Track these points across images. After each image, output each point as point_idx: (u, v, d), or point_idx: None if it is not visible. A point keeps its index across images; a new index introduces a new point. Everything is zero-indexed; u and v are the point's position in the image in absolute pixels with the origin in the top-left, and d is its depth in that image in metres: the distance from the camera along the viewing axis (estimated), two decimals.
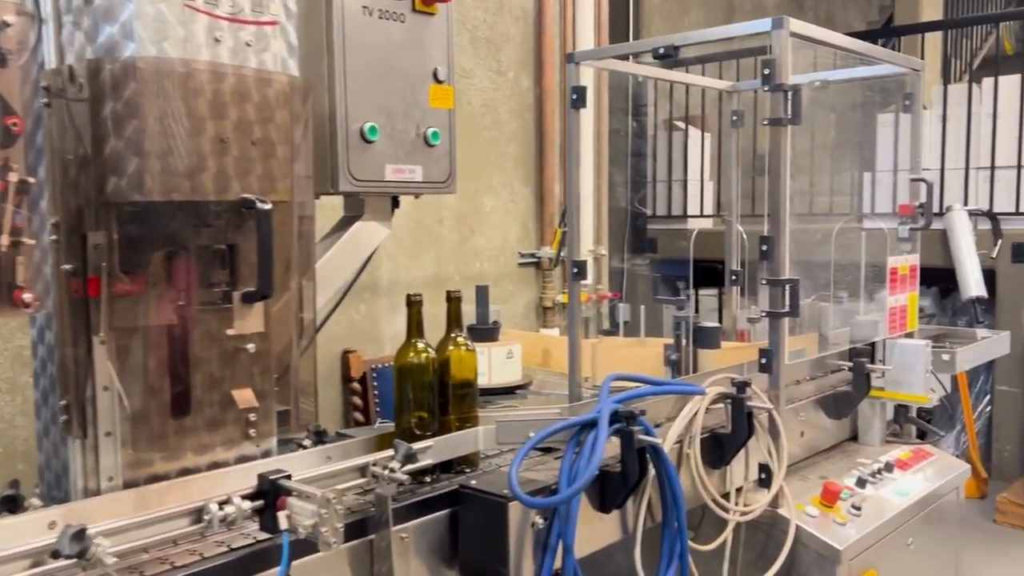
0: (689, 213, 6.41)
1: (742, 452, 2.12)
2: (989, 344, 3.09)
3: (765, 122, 2.08)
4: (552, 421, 1.75)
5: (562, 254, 4.31)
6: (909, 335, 2.72)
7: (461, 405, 1.79)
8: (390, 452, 1.56)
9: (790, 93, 2.06)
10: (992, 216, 5.25)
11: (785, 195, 2.09)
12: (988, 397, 5.51)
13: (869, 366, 2.56)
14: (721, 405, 2.06)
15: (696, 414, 2.00)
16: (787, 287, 2.09)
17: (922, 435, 2.82)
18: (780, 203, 2.09)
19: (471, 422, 1.81)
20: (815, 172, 6.18)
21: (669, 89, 5.61)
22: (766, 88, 2.07)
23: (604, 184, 4.65)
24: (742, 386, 2.04)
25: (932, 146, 5.62)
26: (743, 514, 2.04)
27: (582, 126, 4.44)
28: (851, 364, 2.58)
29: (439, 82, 1.78)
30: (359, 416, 3.44)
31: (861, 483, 2.33)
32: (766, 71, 2.05)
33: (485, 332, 2.69)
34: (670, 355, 2.48)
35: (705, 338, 2.47)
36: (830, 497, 2.17)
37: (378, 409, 3.45)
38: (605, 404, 1.73)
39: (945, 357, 2.85)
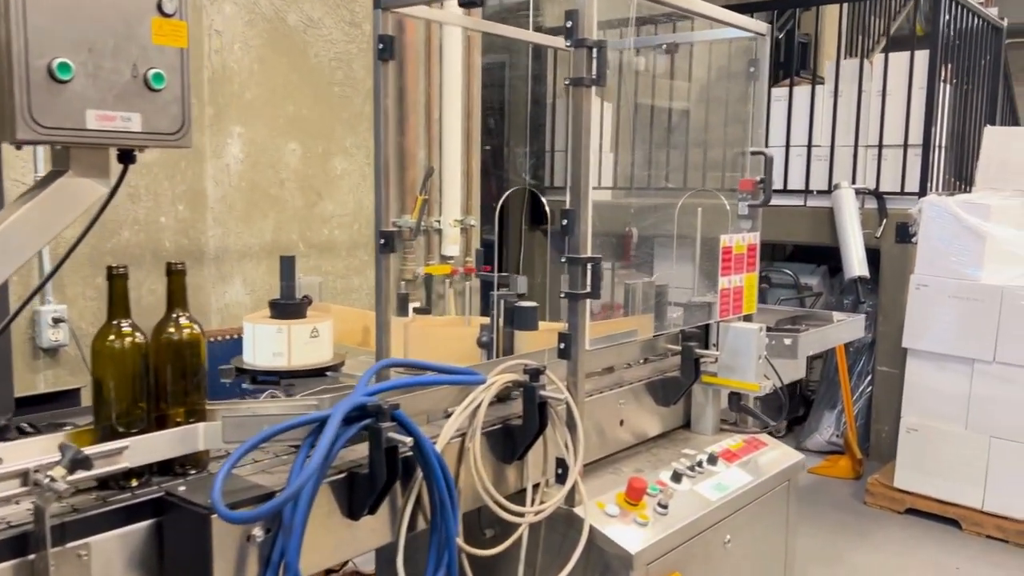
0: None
1: (540, 445, 1.96)
2: (838, 329, 3.00)
3: (567, 81, 1.89)
4: (291, 417, 1.54)
5: (423, 223, 4.09)
6: (747, 318, 2.60)
7: (184, 397, 1.57)
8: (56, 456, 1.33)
9: (594, 50, 1.87)
10: (878, 195, 5.24)
11: (587, 164, 1.91)
12: (869, 378, 5.54)
13: (698, 351, 2.43)
14: (518, 394, 1.89)
15: (480, 406, 1.81)
16: (588, 266, 1.92)
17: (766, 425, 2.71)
18: (581, 173, 1.91)
19: (197, 416, 1.59)
20: (675, 147, 6.11)
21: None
22: (568, 44, 1.88)
23: (474, 150, 4.43)
24: (535, 374, 1.87)
25: (823, 122, 5.58)
26: (536, 514, 1.87)
27: (447, 86, 4.22)
28: (680, 348, 2.44)
29: (165, 15, 1.53)
30: None
31: (676, 477, 2.19)
32: (568, 23, 1.86)
33: (288, 308, 2.46)
34: (482, 337, 2.30)
35: (522, 319, 2.29)
36: (634, 494, 2.03)
37: None
38: (347, 399, 1.53)
39: (787, 341, 2.74)
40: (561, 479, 1.96)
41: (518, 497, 1.96)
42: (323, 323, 2.48)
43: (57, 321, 2.86)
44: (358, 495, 1.60)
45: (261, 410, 1.59)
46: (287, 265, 2.51)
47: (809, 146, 5.64)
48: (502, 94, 6.16)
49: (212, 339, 3.33)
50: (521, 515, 1.83)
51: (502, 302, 2.34)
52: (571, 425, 1.95)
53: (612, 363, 2.33)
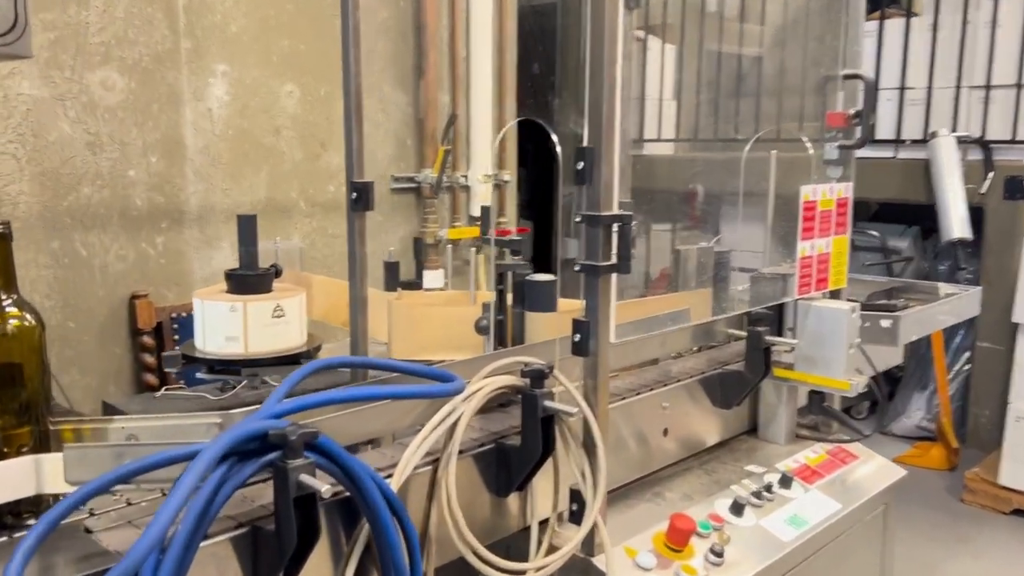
0: (646, 137, 5.74)
1: (550, 469, 1.46)
2: (949, 306, 2.39)
3: None
4: (164, 448, 1.07)
5: (445, 178, 3.58)
6: (835, 295, 2.02)
7: (9, 417, 1.10)
8: None
9: None
10: (984, 144, 4.53)
11: (612, 86, 1.37)
12: (967, 355, 4.87)
13: (769, 338, 1.87)
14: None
15: (457, 423, 1.31)
16: (614, 226, 1.39)
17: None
18: (603, 97, 1.37)
19: (36, 443, 1.12)
20: (747, 94, 5.46)
21: None
22: None
23: (508, 93, 3.88)
24: (537, 377, 1.35)
25: (919, 60, 4.86)
26: (539, 570, 1.36)
27: (475, 19, 3.67)
28: (747, 334, 1.89)
29: None
30: (151, 378, 2.77)
31: (737, 508, 1.66)
32: None
33: (247, 280, 1.99)
34: (481, 321, 1.78)
35: (534, 296, 1.76)
36: (678, 537, 1.51)
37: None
38: (237, 426, 1.04)
39: (885, 324, 2.16)
40: (576, 517, 1.44)
41: (523, 535, 1.46)
42: (291, 299, 2.00)
43: None
44: (264, 558, 1.11)
45: (122, 430, 1.11)
46: (246, 226, 2.03)
47: (902, 88, 4.94)
48: (550, 33, 5.56)
49: (190, 313, 2.88)
50: (520, 573, 1.33)
51: (510, 275, 1.82)
52: (589, 446, 1.43)
53: (654, 355, 1.80)
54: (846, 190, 1.97)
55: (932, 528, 3.84)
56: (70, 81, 2.58)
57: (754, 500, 1.72)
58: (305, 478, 1.05)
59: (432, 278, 3.58)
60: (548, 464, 1.46)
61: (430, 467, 1.32)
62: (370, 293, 2.10)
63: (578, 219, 1.41)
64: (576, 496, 1.45)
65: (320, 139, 3.26)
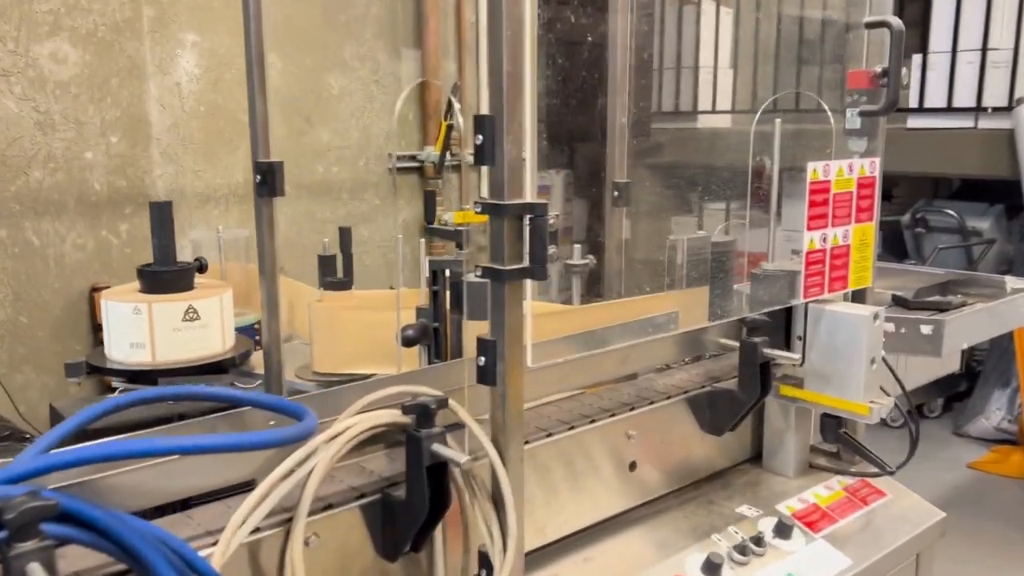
0: (700, 109, 5.38)
1: (458, 524, 1.17)
2: (1013, 305, 1.99)
3: None
4: None
5: (451, 156, 3.28)
6: (859, 296, 1.67)
7: None
8: None
9: None
10: None
11: (522, 33, 1.06)
12: None
13: (767, 351, 1.53)
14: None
15: (309, 478, 1.03)
16: (525, 219, 1.08)
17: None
18: (504, 51, 1.06)
19: None
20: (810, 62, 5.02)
21: None
22: None
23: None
24: (422, 414, 1.06)
25: (1004, 18, 4.32)
26: None
27: None
28: (739, 344, 1.55)
29: None
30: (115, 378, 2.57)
31: (711, 568, 1.34)
32: None
33: (160, 278, 1.74)
34: (406, 331, 1.49)
35: (473, 301, 1.46)
36: None
37: None
38: None
39: (926, 330, 1.78)
40: None
41: None
42: (208, 299, 1.74)
43: None
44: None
45: None
46: (159, 215, 1.78)
47: (984, 50, 4.41)
48: None
49: None
50: None
51: (445, 273, 1.52)
52: (497, 499, 1.13)
53: (614, 373, 1.48)
54: (871, 167, 1.60)
55: (1005, 546, 3.40)
56: (14, 54, 2.38)
57: (736, 556, 1.39)
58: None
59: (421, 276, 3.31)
60: (457, 518, 1.17)
61: (277, 535, 1.04)
62: (304, 291, 1.83)
63: (476, 208, 1.10)
64: (484, 560, 1.15)
65: (305, 114, 3.01)
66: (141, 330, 1.68)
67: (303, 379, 1.64)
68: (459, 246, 1.65)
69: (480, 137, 1.08)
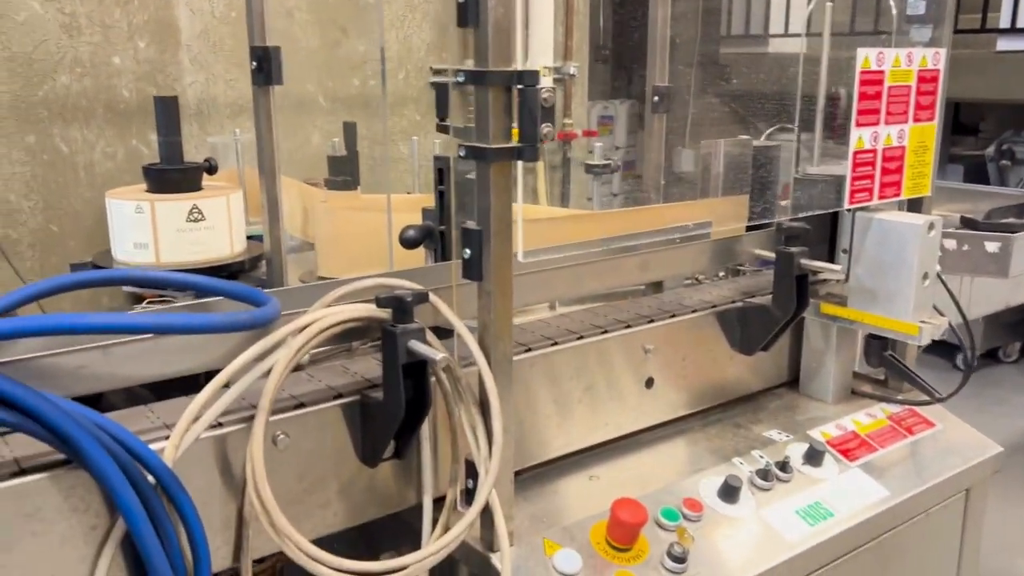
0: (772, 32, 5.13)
1: (446, 430, 1.09)
2: None
3: None
4: None
5: None
6: (916, 207, 1.51)
7: None
8: None
9: None
10: None
11: None
12: None
13: (806, 263, 1.39)
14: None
15: (273, 369, 0.95)
16: (514, 89, 0.97)
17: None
18: None
19: None
20: None
21: None
22: None
23: None
24: (398, 308, 0.97)
25: None
26: (392, 572, 1.00)
27: None
28: (774, 254, 1.42)
29: None
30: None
31: (729, 492, 1.24)
32: None
33: (165, 177, 1.68)
34: (406, 232, 1.39)
35: (465, 195, 1.35)
36: (621, 533, 1.10)
37: None
38: None
39: (992, 247, 1.61)
40: (469, 497, 1.07)
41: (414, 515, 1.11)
42: (214, 199, 1.68)
43: None
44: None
45: None
46: (163, 109, 1.71)
47: None
48: None
49: None
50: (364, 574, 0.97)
51: (450, 171, 1.42)
52: (484, 403, 1.04)
53: (628, 281, 1.37)
54: (935, 59, 1.42)
55: None
56: None
57: (758, 481, 1.28)
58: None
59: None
60: (446, 424, 1.09)
61: (240, 430, 0.97)
62: (312, 192, 1.75)
63: (459, 78, 0.99)
64: (471, 470, 1.07)
65: (341, 23, 2.90)
66: (144, 230, 1.62)
67: (306, 283, 1.57)
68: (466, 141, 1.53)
69: None
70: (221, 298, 1.06)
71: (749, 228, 1.54)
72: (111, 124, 2.52)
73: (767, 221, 1.48)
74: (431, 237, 1.44)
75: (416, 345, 0.98)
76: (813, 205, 1.44)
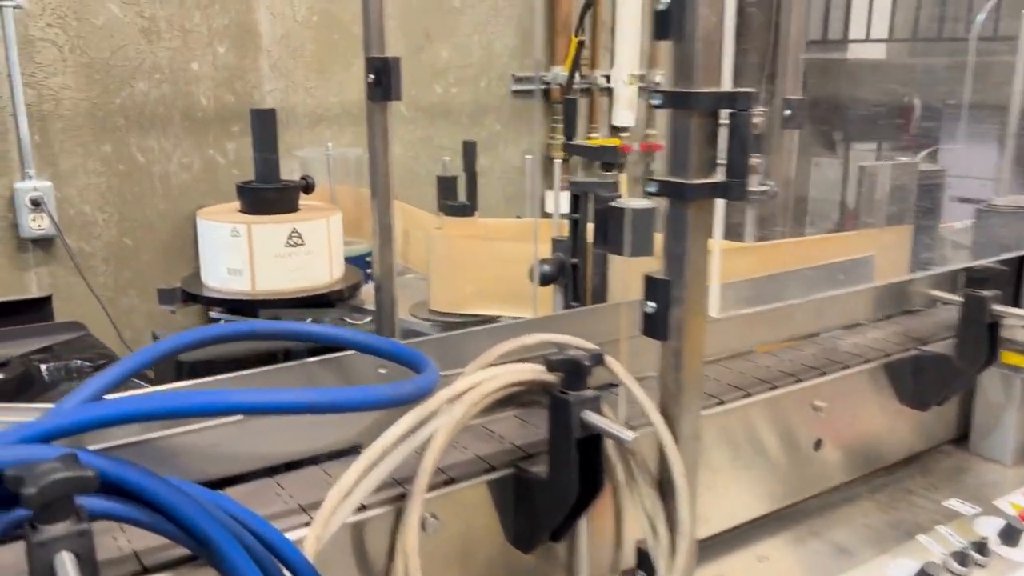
0: (852, 37, 4.88)
1: (609, 509, 0.93)
2: None
3: None
4: None
5: (580, 78, 2.99)
6: None
7: None
8: None
9: None
10: None
11: None
12: None
13: (998, 308, 1.21)
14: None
15: (429, 445, 0.80)
16: (722, 114, 0.81)
17: None
18: None
19: None
20: None
21: None
22: None
23: None
24: (571, 371, 0.82)
25: None
26: None
27: None
28: (962, 299, 1.24)
29: None
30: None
31: None
32: None
33: (261, 197, 1.56)
34: (541, 267, 1.24)
35: (622, 233, 1.19)
36: None
37: None
38: None
39: None
40: None
41: None
42: (314, 222, 1.55)
43: (36, 204, 2.17)
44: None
45: None
46: (261, 125, 1.58)
47: None
48: None
49: None
50: None
51: (589, 197, 1.26)
52: (665, 484, 0.87)
53: (803, 330, 1.19)
54: None
55: None
56: None
57: (955, 566, 1.10)
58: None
59: (553, 200, 3.05)
60: (606, 502, 0.93)
61: (385, 514, 0.82)
62: (420, 217, 1.60)
63: (655, 101, 0.83)
64: (644, 560, 0.91)
65: (425, 28, 2.76)
66: (239, 255, 1.49)
67: (418, 318, 1.43)
68: (606, 167, 1.37)
69: (664, 2, 0.80)
70: (351, 352, 0.92)
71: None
72: (188, 133, 2.41)
73: (959, 265, 1.30)
74: (563, 272, 1.29)
75: (594, 418, 0.82)
76: (1001, 245, 1.26)
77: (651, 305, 0.85)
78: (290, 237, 1.50)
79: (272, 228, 1.49)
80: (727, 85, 0.82)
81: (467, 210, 1.45)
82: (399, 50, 2.74)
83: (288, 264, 1.51)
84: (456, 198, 1.57)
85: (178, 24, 2.33)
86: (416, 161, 2.81)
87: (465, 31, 2.83)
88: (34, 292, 2.26)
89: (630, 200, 1.21)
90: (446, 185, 1.57)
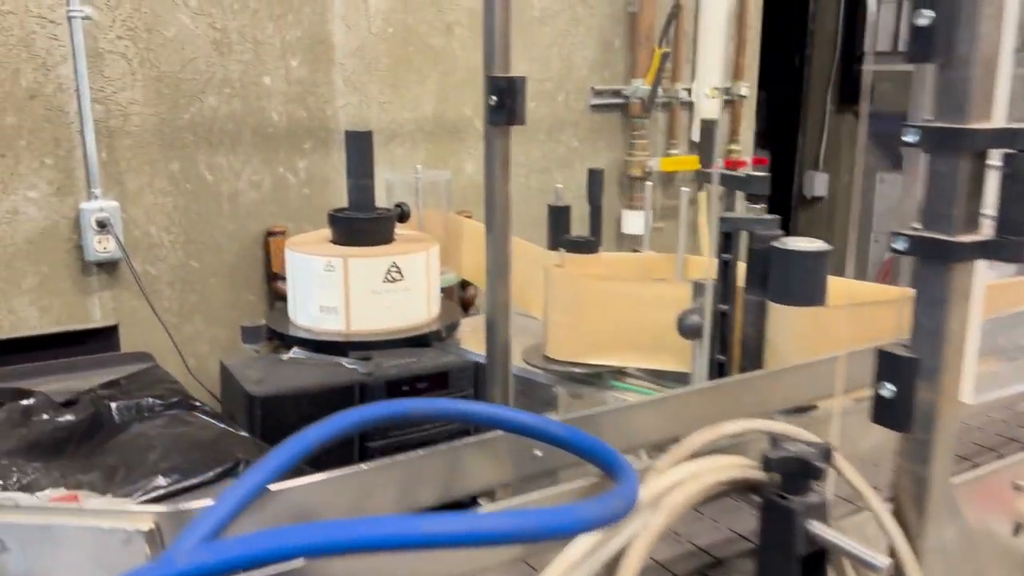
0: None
1: None
2: None
3: None
4: None
5: (662, 91, 2.83)
6: None
7: None
8: None
9: None
10: None
11: None
12: None
13: None
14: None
15: (625, 554, 0.64)
16: (992, 157, 0.63)
17: None
18: None
19: None
20: None
21: None
22: None
23: None
24: (796, 473, 0.65)
25: None
26: None
27: None
28: None
29: None
30: None
31: None
32: None
33: (356, 228, 1.42)
34: (689, 317, 1.08)
35: (788, 279, 1.02)
36: None
37: None
38: None
39: None
40: None
41: None
42: (414, 255, 1.41)
43: (103, 225, 2.06)
44: None
45: None
46: (357, 146, 1.44)
47: None
48: None
49: None
50: None
51: (742, 236, 1.10)
52: None
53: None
54: None
55: None
56: None
57: None
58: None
59: (633, 222, 2.88)
60: None
61: None
62: (529, 250, 1.45)
63: (909, 137, 0.67)
64: None
65: None
66: (335, 291, 1.35)
67: (532, 365, 1.28)
68: (753, 199, 1.21)
69: (927, 16, 0.64)
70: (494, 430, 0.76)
71: None
72: (258, 150, 2.29)
73: None
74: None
75: (826, 533, 0.66)
76: None
77: (889, 388, 0.69)
78: (388, 272, 1.36)
79: (370, 262, 1.35)
80: (1001, 119, 0.66)
81: (591, 246, 1.29)
82: (475, 65, 2.61)
83: (385, 301, 1.37)
84: (568, 230, 1.41)
85: (250, 36, 2.22)
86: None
87: (544, 43, 2.69)
88: (97, 317, 2.15)
89: (797, 241, 1.05)
90: (558, 216, 1.42)
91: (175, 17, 2.12)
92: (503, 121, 1.15)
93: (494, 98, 1.15)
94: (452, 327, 1.44)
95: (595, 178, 1.46)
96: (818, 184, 5.05)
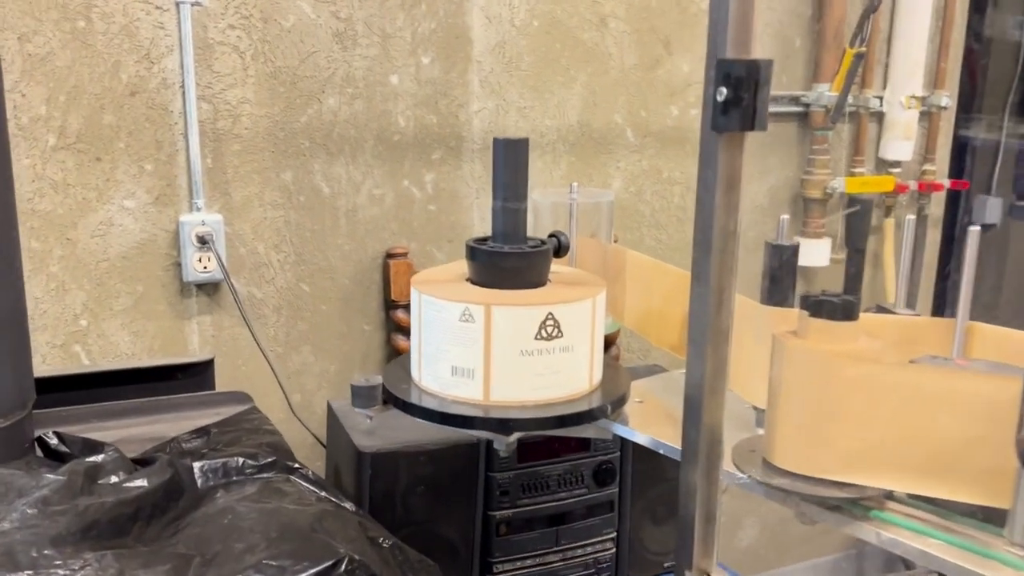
0: None
1: None
2: None
3: None
4: None
5: (851, 99, 2.39)
6: None
7: None
8: None
9: None
10: None
11: None
12: None
13: None
14: None
15: None
16: None
17: None
18: None
19: None
20: None
21: None
22: None
23: None
24: None
25: None
26: None
27: None
28: None
29: None
30: None
31: None
32: None
33: (506, 266, 1.08)
34: None
35: None
36: None
37: None
38: None
39: None
40: None
41: None
42: (576, 304, 1.05)
43: (204, 241, 1.80)
44: None
45: None
46: (510, 158, 1.10)
47: None
48: None
49: None
50: None
51: None
52: None
53: None
54: None
55: None
56: None
57: None
58: None
59: (814, 251, 2.44)
60: None
61: None
62: (742, 304, 1.07)
63: None
64: None
65: (664, 36, 2.25)
66: (472, 350, 1.01)
67: (752, 477, 0.90)
68: None
69: None
70: None
71: None
72: (381, 159, 1.99)
73: None
74: None
75: None
76: None
77: None
78: (543, 326, 1.01)
79: (520, 312, 1.00)
80: None
81: (850, 310, 0.88)
82: (630, 65, 2.25)
83: (536, 365, 1.02)
84: (792, 282, 1.02)
85: (378, 27, 1.93)
86: (638, 198, 2.30)
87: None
88: (195, 343, 1.89)
89: None
90: (782, 259, 1.03)
91: (295, 4, 1.85)
92: (735, 126, 0.78)
93: (723, 90, 0.78)
94: (620, 401, 1.08)
95: (854, 224, 1.07)
96: (990, 210, 4.45)
